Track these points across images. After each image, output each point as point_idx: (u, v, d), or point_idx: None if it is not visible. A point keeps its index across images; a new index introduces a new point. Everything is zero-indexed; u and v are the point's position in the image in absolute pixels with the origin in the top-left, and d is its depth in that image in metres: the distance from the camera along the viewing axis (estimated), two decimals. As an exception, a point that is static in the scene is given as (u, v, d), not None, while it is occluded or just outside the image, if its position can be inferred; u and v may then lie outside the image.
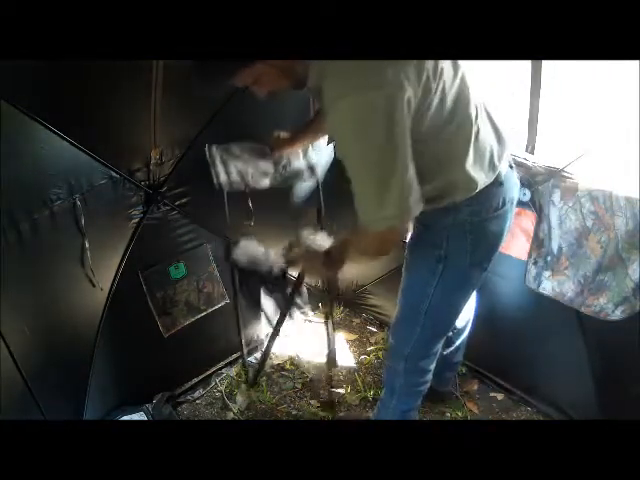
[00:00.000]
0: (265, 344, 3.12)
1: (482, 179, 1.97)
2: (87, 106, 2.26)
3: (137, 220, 2.77)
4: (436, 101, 1.74)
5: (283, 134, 2.73)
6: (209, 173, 2.86)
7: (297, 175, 2.86)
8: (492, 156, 2.00)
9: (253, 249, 2.78)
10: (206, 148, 2.61)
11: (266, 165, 2.75)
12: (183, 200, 2.95)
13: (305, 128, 2.70)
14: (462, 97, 1.84)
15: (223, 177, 2.61)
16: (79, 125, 2.27)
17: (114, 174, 2.55)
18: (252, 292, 2.84)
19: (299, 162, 2.83)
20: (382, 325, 3.71)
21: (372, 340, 3.63)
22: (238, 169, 2.67)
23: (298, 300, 2.75)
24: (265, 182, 2.75)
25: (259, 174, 2.73)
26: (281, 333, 2.92)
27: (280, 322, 2.85)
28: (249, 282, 2.80)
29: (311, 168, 2.87)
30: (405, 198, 1.70)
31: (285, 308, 2.78)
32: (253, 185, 2.71)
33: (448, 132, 1.84)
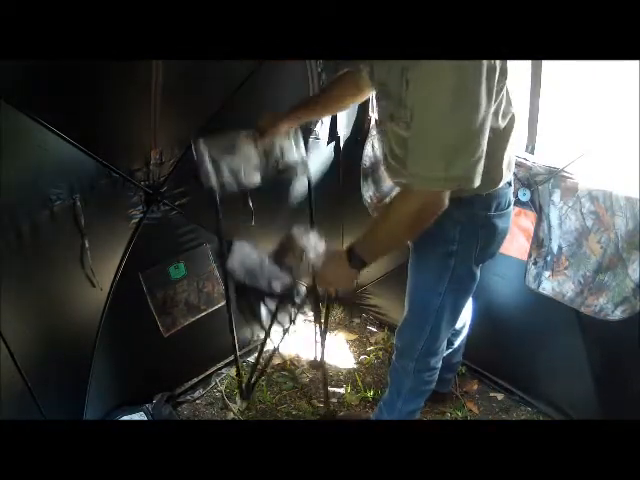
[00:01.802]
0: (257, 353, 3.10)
1: (506, 176, 2.07)
2: (87, 106, 2.26)
3: (137, 220, 2.76)
4: (503, 92, 1.83)
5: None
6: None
7: (290, 169, 2.80)
8: (512, 158, 2.11)
9: (249, 260, 2.68)
10: (192, 143, 2.49)
11: (258, 158, 2.66)
12: (183, 200, 2.93)
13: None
14: (510, 99, 1.93)
15: (214, 179, 2.50)
16: (79, 125, 2.26)
17: (114, 174, 2.55)
18: (251, 308, 2.79)
19: (292, 154, 2.77)
20: (382, 325, 3.72)
21: (372, 340, 3.64)
22: (229, 166, 2.56)
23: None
24: (257, 178, 2.66)
25: (251, 168, 2.64)
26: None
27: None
28: (247, 298, 2.68)
29: (304, 163, 2.81)
30: (475, 164, 1.73)
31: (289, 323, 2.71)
32: (246, 183, 2.63)
33: (499, 125, 1.91)
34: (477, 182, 1.76)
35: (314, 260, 2.22)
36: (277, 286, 2.58)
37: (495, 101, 1.75)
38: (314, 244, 2.86)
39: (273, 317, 2.80)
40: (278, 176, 2.77)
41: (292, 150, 2.75)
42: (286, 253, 2.79)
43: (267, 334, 2.84)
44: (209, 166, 2.49)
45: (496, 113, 1.83)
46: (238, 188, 2.60)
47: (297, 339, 3.30)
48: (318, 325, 2.89)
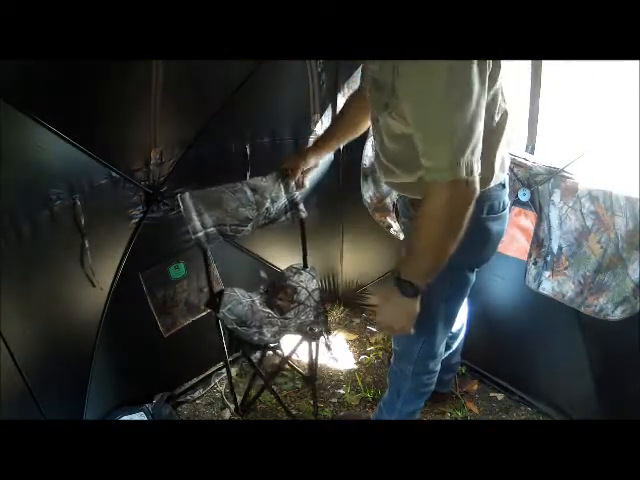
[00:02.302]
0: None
1: (499, 176, 2.00)
2: (87, 106, 2.26)
3: (137, 220, 2.76)
4: (495, 87, 1.78)
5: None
6: (209, 172, 2.87)
7: (281, 214, 2.86)
8: (505, 158, 2.03)
9: (240, 306, 2.79)
10: (179, 197, 2.54)
11: (247, 210, 2.72)
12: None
13: (322, 138, 2.67)
14: (504, 95, 1.89)
15: (201, 234, 2.56)
16: (79, 125, 2.27)
17: (114, 174, 2.55)
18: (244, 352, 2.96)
19: (282, 200, 2.82)
20: (382, 325, 3.69)
21: (372, 340, 3.64)
22: (216, 220, 2.62)
23: None
24: (246, 229, 2.74)
25: (239, 221, 2.70)
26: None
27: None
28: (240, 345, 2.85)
29: (294, 204, 2.86)
30: (473, 150, 1.67)
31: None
32: (232, 234, 2.70)
33: (492, 121, 1.86)
34: (477, 168, 1.70)
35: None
36: (268, 331, 2.68)
37: (489, 91, 1.71)
38: (306, 284, 2.90)
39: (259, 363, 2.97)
40: (269, 224, 2.84)
41: (282, 196, 2.81)
42: (278, 293, 2.84)
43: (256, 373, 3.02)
44: (196, 220, 2.55)
45: (489, 108, 1.77)
46: (224, 239, 2.68)
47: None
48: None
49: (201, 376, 3.30)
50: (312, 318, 2.79)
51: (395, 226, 3.29)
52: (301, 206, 2.87)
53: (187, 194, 2.54)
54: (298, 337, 2.69)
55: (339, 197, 3.53)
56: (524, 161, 2.63)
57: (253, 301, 2.87)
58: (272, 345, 2.76)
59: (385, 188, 3.26)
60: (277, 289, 2.96)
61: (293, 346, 2.74)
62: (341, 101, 3.22)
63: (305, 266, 3.03)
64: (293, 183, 2.79)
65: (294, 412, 3.07)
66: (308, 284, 2.95)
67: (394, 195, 3.17)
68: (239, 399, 3.09)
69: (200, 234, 2.55)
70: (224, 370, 3.30)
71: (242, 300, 2.81)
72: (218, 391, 3.25)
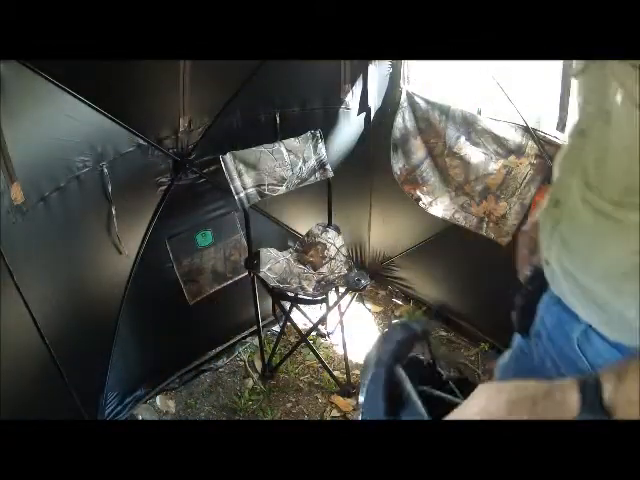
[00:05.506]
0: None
1: None
2: (116, 74, 2.24)
3: (165, 188, 2.78)
4: None
5: None
6: (238, 140, 2.87)
7: (311, 174, 2.99)
8: None
9: (277, 264, 2.95)
10: (220, 158, 2.69)
11: (283, 170, 2.88)
12: (211, 168, 2.93)
13: None
14: None
15: (242, 195, 2.73)
16: (108, 93, 2.29)
17: (142, 142, 2.56)
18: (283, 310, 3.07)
19: (312, 160, 2.97)
20: (407, 298, 3.71)
21: (397, 313, 3.65)
22: (254, 181, 2.79)
23: None
24: (281, 189, 2.90)
25: (276, 181, 2.86)
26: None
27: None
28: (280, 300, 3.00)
29: (322, 164, 3.00)
30: None
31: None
32: (269, 194, 2.85)
33: None
34: None
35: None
36: (309, 286, 2.88)
37: None
38: (333, 240, 2.97)
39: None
40: (301, 183, 2.98)
41: (312, 157, 2.98)
42: (309, 250, 2.91)
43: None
44: (237, 181, 2.73)
45: None
46: (261, 198, 2.84)
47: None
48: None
49: (225, 344, 3.32)
50: (345, 271, 2.96)
51: (424, 199, 3.25)
52: (328, 166, 3.01)
53: (228, 155, 2.70)
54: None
55: (369, 168, 3.51)
56: (554, 139, 2.58)
57: (287, 259, 3.02)
58: (320, 298, 2.87)
59: (415, 160, 3.21)
60: (308, 247, 3.10)
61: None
62: (372, 71, 3.19)
63: (330, 224, 3.15)
64: (321, 144, 2.97)
65: (316, 383, 3.12)
66: (335, 240, 3.09)
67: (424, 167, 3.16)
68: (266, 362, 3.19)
69: (241, 194, 2.72)
70: (248, 339, 3.35)
71: (279, 259, 2.98)
72: (241, 360, 3.28)
